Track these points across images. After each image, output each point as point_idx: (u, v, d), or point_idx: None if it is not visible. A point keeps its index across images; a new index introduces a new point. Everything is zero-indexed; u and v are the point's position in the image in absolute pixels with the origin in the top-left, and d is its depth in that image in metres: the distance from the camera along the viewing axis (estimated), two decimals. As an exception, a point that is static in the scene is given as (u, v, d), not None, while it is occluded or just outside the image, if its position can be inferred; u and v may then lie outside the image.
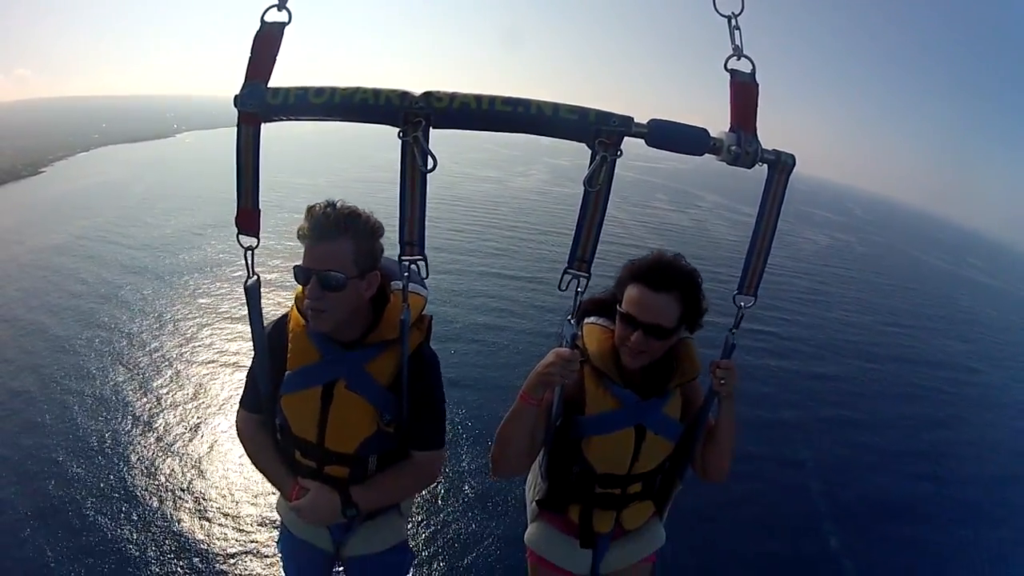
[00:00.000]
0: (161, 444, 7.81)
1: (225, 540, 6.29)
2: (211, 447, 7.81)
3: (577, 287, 1.43)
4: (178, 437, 7.98)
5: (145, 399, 8.86)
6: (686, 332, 1.76)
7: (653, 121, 1.35)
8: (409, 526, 2.06)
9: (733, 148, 1.37)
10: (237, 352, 10.32)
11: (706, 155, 1.39)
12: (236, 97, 1.35)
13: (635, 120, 1.33)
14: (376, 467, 1.73)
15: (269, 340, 1.66)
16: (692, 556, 6.47)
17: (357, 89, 1.32)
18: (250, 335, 1.64)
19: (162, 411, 8.56)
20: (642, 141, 1.36)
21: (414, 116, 1.29)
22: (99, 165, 34.07)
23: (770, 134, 1.52)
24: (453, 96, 1.30)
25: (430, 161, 1.32)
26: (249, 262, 1.48)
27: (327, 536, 1.84)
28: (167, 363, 9.99)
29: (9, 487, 6.80)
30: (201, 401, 8.88)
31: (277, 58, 1.38)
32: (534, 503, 1.93)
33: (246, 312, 1.60)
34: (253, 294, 1.54)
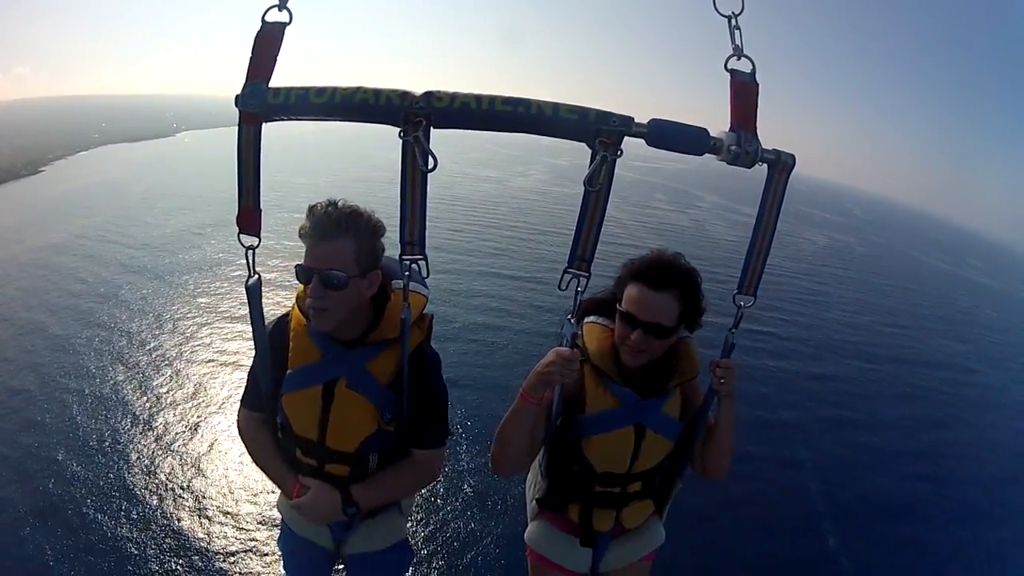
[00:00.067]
0: (161, 443, 7.81)
1: (225, 538, 6.30)
2: (211, 446, 7.81)
3: (577, 286, 1.43)
4: (178, 436, 7.99)
5: (144, 398, 8.86)
6: (686, 331, 1.76)
7: (653, 121, 1.35)
8: (409, 524, 2.06)
9: (733, 148, 1.37)
10: (237, 351, 10.33)
11: (706, 155, 1.39)
12: (237, 97, 1.36)
13: (635, 120, 1.33)
14: (376, 465, 1.73)
15: (270, 339, 1.66)
16: (692, 555, 6.48)
17: (358, 89, 1.32)
18: (250, 334, 1.64)
19: (162, 410, 8.57)
20: (642, 141, 1.36)
21: (415, 116, 1.29)
22: (99, 164, 34.07)
23: (770, 134, 1.53)
24: (453, 96, 1.30)
25: (431, 161, 1.32)
26: (250, 261, 1.48)
27: (328, 534, 1.85)
28: (166, 362, 9.99)
29: (9, 485, 6.80)
30: (201, 400, 8.89)
31: (278, 58, 1.38)
32: (534, 502, 1.93)
33: (246, 311, 1.60)
34: (254, 293, 1.54)
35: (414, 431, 1.71)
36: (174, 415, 8.45)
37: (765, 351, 13.31)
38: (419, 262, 1.43)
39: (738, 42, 1.43)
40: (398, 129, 1.31)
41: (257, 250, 1.48)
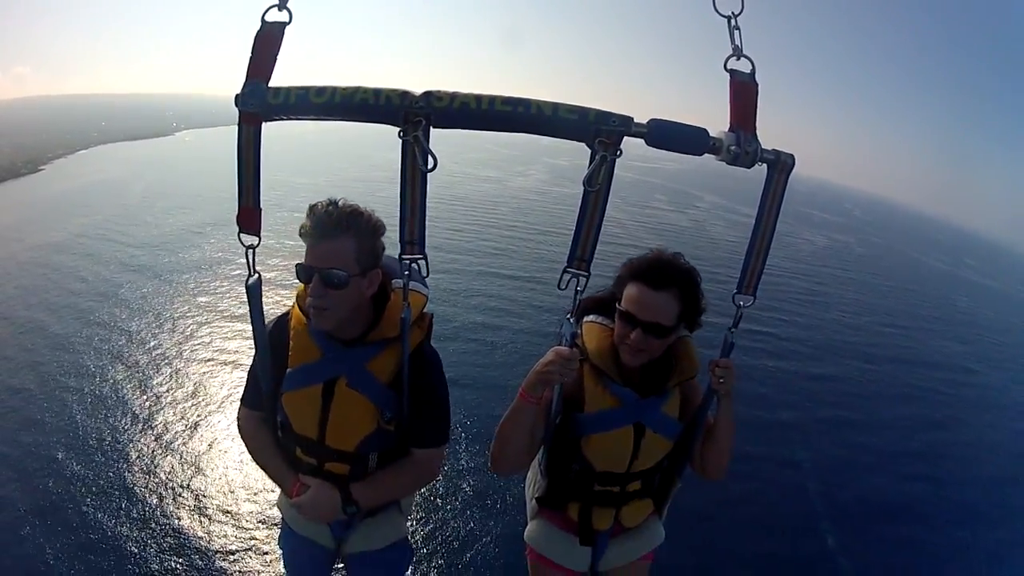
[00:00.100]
0: (160, 442, 7.81)
1: (225, 537, 6.30)
2: (211, 445, 7.81)
3: (576, 286, 1.43)
4: (177, 435, 7.99)
5: (144, 397, 8.86)
6: (685, 331, 1.77)
7: (653, 121, 1.35)
8: (409, 523, 2.06)
9: (733, 148, 1.37)
10: (236, 350, 10.33)
11: (705, 155, 1.39)
12: (237, 96, 1.36)
13: (635, 120, 1.34)
14: (376, 464, 1.74)
15: (270, 338, 1.67)
16: (691, 554, 6.49)
17: (357, 89, 1.32)
18: (250, 333, 1.64)
19: (161, 409, 8.57)
20: (642, 141, 1.36)
21: (414, 116, 1.30)
22: (98, 163, 34.06)
23: (769, 134, 1.53)
24: (453, 96, 1.31)
25: (430, 161, 1.32)
26: (250, 260, 1.48)
27: (328, 533, 1.85)
28: (166, 361, 9.99)
29: (9, 484, 6.81)
30: (200, 399, 8.89)
31: (278, 58, 1.38)
32: (533, 500, 1.93)
33: (245, 310, 1.61)
34: (254, 292, 1.55)
35: (414, 430, 1.72)
36: (174, 414, 8.45)
37: (764, 351, 13.32)
38: (419, 261, 1.43)
39: (738, 42, 1.43)
40: (398, 129, 1.31)
41: (257, 249, 1.48)
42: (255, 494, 6.91)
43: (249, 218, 1.46)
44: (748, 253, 1.55)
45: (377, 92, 1.30)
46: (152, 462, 7.40)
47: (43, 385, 8.96)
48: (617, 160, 1.35)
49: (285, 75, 1.41)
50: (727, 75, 1.43)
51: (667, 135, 1.36)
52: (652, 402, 1.72)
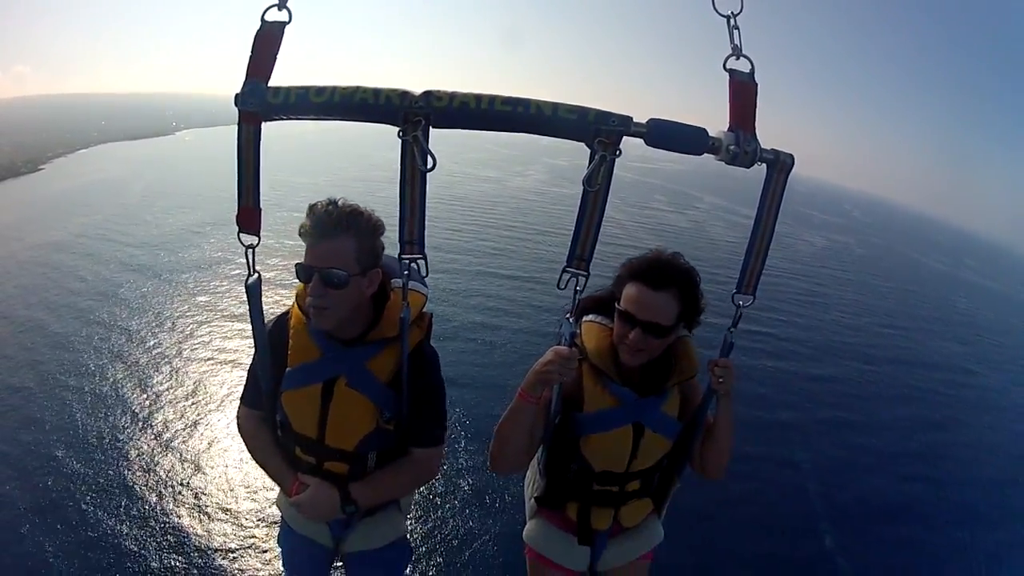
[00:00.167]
0: (160, 440, 7.82)
1: (224, 536, 6.30)
2: (210, 443, 7.82)
3: (576, 286, 1.43)
4: (177, 433, 7.99)
5: (144, 396, 8.86)
6: (684, 331, 1.77)
7: (652, 121, 1.35)
8: (408, 522, 2.07)
9: (732, 147, 1.37)
10: (236, 349, 10.33)
11: (705, 155, 1.39)
12: (237, 96, 1.36)
13: (634, 120, 1.34)
14: (375, 464, 1.74)
15: (270, 337, 1.67)
16: (690, 554, 6.49)
17: (357, 88, 1.32)
18: (249, 332, 1.65)
19: (161, 408, 8.57)
20: (641, 141, 1.36)
21: (414, 115, 1.30)
22: (98, 162, 34.05)
23: (769, 134, 1.53)
24: (453, 96, 1.31)
25: (430, 160, 1.32)
26: (250, 260, 1.48)
27: (327, 532, 1.85)
28: (166, 360, 9.99)
29: (8, 482, 6.81)
30: (200, 398, 8.89)
31: (277, 57, 1.38)
32: (532, 500, 1.93)
33: (245, 310, 1.61)
34: (254, 292, 1.55)
35: (413, 429, 1.72)
36: (173, 413, 8.45)
37: (764, 352, 13.32)
38: (418, 261, 1.43)
39: (737, 42, 1.43)
40: (397, 129, 1.31)
41: (257, 249, 1.48)
42: (254, 492, 6.91)
43: (249, 218, 1.46)
44: (747, 253, 1.55)
45: (377, 92, 1.30)
46: (152, 460, 7.40)
47: (43, 384, 8.96)
48: (617, 160, 1.35)
49: (285, 75, 1.42)
50: (726, 75, 1.43)
51: (666, 135, 1.36)
52: (651, 402, 1.72)
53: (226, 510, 6.67)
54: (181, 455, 7.54)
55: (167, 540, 6.18)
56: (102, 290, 12.93)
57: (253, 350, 1.68)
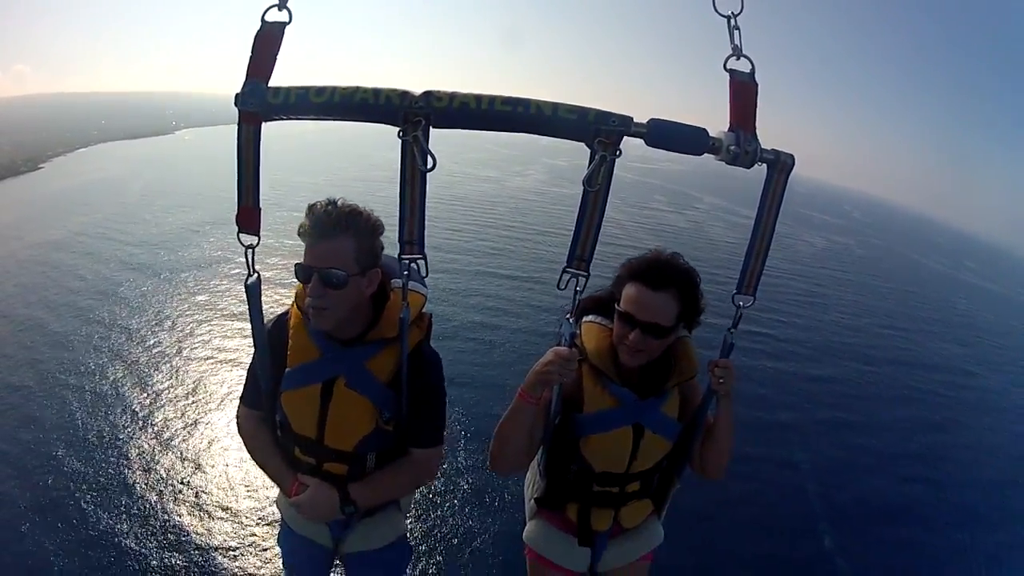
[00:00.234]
0: (160, 439, 7.82)
1: (224, 535, 6.30)
2: (210, 443, 7.81)
3: (576, 286, 1.43)
4: (177, 433, 7.99)
5: (144, 395, 8.86)
6: (684, 331, 1.77)
7: (652, 121, 1.35)
8: (408, 522, 2.07)
9: (732, 148, 1.37)
10: (235, 349, 10.33)
11: (705, 155, 1.39)
12: (237, 96, 1.35)
13: (634, 120, 1.34)
14: (375, 464, 1.74)
15: (269, 337, 1.67)
16: (690, 555, 6.49)
17: (357, 88, 1.32)
18: (249, 332, 1.65)
19: (161, 407, 8.57)
20: (641, 141, 1.36)
21: (414, 116, 1.30)
22: (98, 161, 34.03)
23: (769, 134, 1.53)
24: (453, 96, 1.31)
25: (430, 160, 1.32)
26: (250, 260, 1.48)
27: (327, 532, 1.85)
28: (165, 359, 9.99)
29: (8, 481, 6.80)
30: (200, 397, 8.89)
31: (278, 57, 1.38)
32: (532, 501, 1.93)
33: (244, 309, 1.61)
34: (254, 292, 1.54)
35: (412, 430, 1.72)
36: (173, 412, 8.45)
37: (763, 352, 13.32)
38: (418, 261, 1.43)
39: (737, 42, 1.43)
40: (397, 129, 1.31)
41: (256, 249, 1.48)
42: (255, 491, 6.91)
43: (248, 217, 1.45)
44: (748, 253, 1.55)
45: (377, 92, 1.30)
46: (151, 459, 7.40)
47: (42, 382, 8.96)
48: (617, 160, 1.35)
49: (285, 75, 1.41)
50: (727, 75, 1.42)
51: (667, 135, 1.36)
52: (651, 402, 1.72)
53: (226, 509, 6.66)
54: (181, 454, 7.54)
55: (167, 538, 6.18)
56: (102, 289, 12.92)
57: (253, 350, 1.68)
